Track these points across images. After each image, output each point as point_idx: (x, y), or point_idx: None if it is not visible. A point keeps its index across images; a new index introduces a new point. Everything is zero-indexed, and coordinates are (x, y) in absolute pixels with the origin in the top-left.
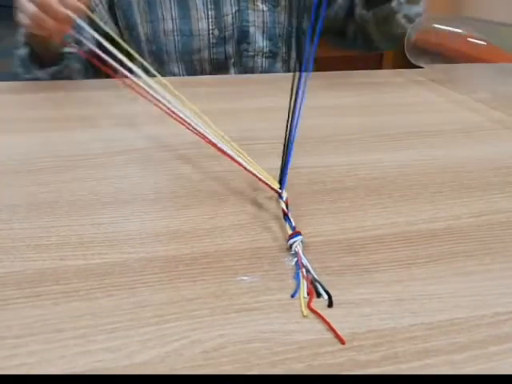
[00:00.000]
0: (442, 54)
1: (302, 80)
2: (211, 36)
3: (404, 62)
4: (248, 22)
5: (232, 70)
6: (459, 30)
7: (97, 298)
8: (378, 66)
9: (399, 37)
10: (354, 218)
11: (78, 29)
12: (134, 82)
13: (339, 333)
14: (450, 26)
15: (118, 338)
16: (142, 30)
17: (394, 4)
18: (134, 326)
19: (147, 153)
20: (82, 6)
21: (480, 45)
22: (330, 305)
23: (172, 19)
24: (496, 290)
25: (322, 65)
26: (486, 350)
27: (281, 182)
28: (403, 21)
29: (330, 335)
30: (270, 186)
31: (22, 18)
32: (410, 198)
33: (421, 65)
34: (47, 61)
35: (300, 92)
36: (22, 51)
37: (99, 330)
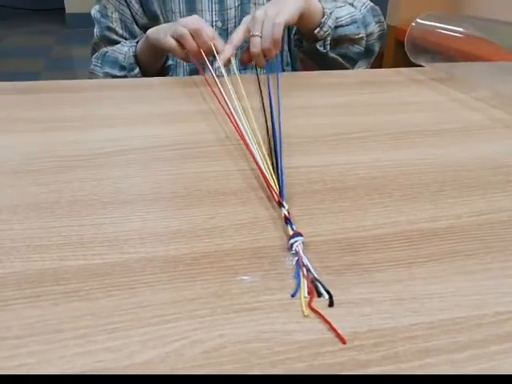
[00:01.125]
0: (443, 53)
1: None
2: (214, 27)
3: (404, 60)
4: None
5: (233, 61)
6: (459, 29)
7: (97, 299)
8: (379, 64)
9: (344, 68)
10: (354, 217)
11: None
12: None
13: (340, 332)
14: (450, 25)
15: (118, 339)
16: (162, 20)
17: (318, 45)
18: (135, 326)
19: (147, 153)
20: (220, 46)
21: (480, 43)
22: (331, 304)
23: (180, 12)
24: (497, 289)
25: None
26: (487, 350)
27: (281, 192)
28: (340, 59)
29: (330, 335)
30: (273, 195)
31: (170, 40)
32: (410, 198)
33: (421, 63)
34: (152, 75)
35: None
36: (136, 71)
37: (99, 330)
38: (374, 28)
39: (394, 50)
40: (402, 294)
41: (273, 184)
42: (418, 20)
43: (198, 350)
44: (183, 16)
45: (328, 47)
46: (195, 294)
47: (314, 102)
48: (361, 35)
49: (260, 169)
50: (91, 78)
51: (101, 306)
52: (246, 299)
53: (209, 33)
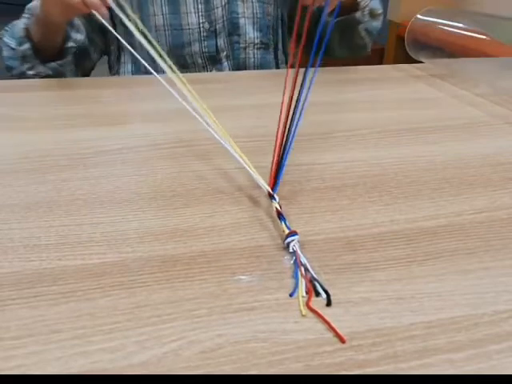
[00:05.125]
0: (443, 49)
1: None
2: (202, 29)
3: (405, 56)
4: (238, 13)
5: (225, 63)
6: (460, 25)
7: (95, 299)
8: (379, 61)
9: (360, 47)
10: (353, 215)
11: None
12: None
13: (339, 332)
14: (450, 21)
15: (115, 339)
16: (141, 24)
17: (358, 15)
18: (132, 327)
19: (145, 151)
20: None
21: (481, 39)
22: (329, 303)
23: (163, 14)
24: (496, 288)
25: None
26: (486, 349)
27: (274, 183)
28: (363, 33)
29: (328, 334)
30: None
31: None
32: (410, 195)
33: (421, 59)
34: (49, 55)
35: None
36: (25, 46)
37: (97, 330)
38: (381, 8)
39: (395, 46)
40: (401, 293)
41: (263, 179)
42: (419, 16)
43: (196, 351)
44: (166, 19)
45: (367, 17)
46: (193, 294)
47: (313, 99)
48: (380, 11)
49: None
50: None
51: (98, 306)
52: (243, 299)
53: None
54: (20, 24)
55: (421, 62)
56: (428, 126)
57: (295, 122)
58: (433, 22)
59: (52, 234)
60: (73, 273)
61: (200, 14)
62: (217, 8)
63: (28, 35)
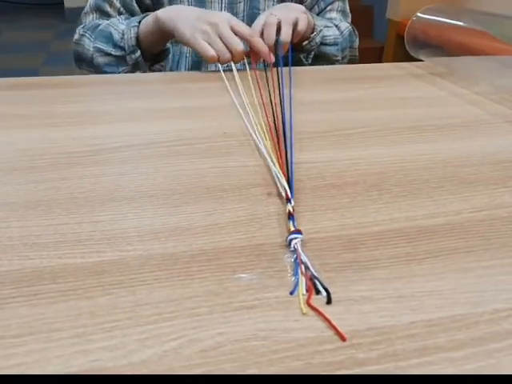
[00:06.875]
0: (443, 47)
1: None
2: None
3: (404, 55)
4: (258, 9)
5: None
6: (460, 23)
7: (95, 297)
8: (379, 59)
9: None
10: (353, 213)
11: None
12: None
13: (340, 329)
14: (450, 19)
15: (116, 337)
16: (167, 3)
17: (302, 56)
18: (132, 325)
19: (145, 149)
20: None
21: (481, 37)
22: (329, 301)
23: (188, 2)
24: (496, 287)
25: None
26: (486, 348)
27: (289, 186)
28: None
29: (329, 333)
30: (279, 190)
31: (206, 46)
32: (410, 194)
33: (421, 58)
34: (151, 59)
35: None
36: (137, 54)
37: (97, 328)
38: (347, 52)
39: (394, 45)
40: (401, 291)
41: (282, 179)
42: (419, 14)
43: (196, 349)
44: (191, 3)
45: (310, 60)
46: (193, 292)
47: (313, 97)
48: (337, 58)
49: (279, 163)
50: (77, 50)
51: (98, 304)
52: (244, 297)
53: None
54: (116, 29)
55: (420, 61)
56: (428, 124)
57: (287, 125)
58: (432, 20)
59: (51, 233)
60: (73, 271)
61: (224, 5)
62: (239, 2)
63: (138, 43)
